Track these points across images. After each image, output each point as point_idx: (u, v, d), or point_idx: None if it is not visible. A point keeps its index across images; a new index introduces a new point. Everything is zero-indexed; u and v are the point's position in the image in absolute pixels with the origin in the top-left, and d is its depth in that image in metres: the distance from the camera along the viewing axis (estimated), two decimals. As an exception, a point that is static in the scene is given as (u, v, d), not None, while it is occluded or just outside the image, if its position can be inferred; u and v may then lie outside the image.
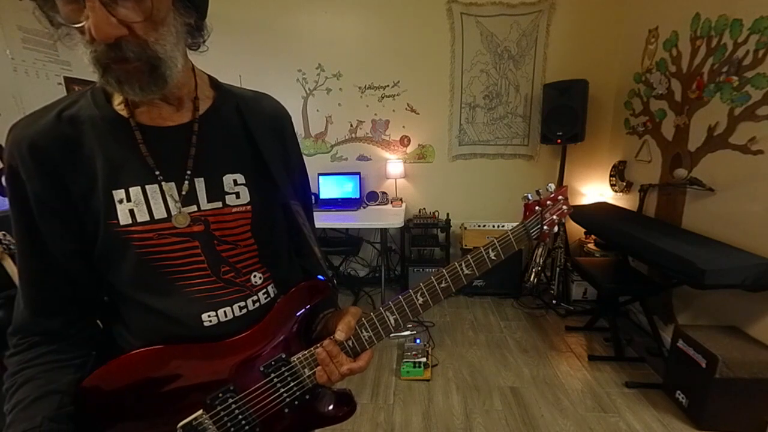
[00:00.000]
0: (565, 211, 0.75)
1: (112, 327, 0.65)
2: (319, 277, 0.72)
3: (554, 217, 0.74)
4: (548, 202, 0.74)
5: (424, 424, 1.86)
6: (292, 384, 0.65)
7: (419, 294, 0.68)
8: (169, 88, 0.54)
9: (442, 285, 0.68)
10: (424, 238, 3.27)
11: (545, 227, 0.73)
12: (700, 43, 2.15)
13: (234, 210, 0.63)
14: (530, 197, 0.75)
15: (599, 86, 2.98)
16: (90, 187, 0.55)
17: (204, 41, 0.60)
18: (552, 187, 0.74)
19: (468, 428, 1.83)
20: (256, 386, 0.63)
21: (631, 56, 2.82)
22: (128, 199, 0.56)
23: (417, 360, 2.22)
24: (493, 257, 0.70)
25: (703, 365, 1.71)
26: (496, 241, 0.70)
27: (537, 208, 0.73)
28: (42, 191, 0.54)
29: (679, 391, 1.87)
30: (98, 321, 0.66)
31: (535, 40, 3.05)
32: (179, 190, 0.59)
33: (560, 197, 0.75)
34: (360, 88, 3.25)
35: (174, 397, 0.59)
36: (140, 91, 0.51)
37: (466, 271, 0.69)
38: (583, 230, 3.04)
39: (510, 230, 0.71)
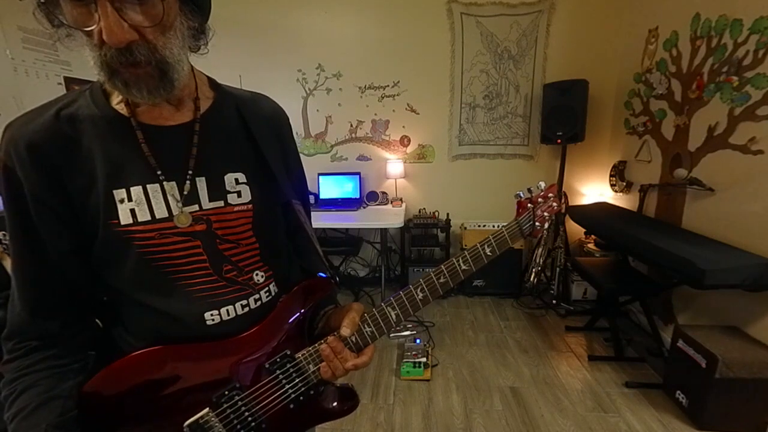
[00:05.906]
0: (555, 207, 0.78)
1: (111, 328, 0.64)
2: (321, 274, 0.73)
3: (545, 213, 0.76)
4: (539, 200, 0.76)
5: (424, 424, 1.86)
6: (297, 380, 0.65)
7: (419, 289, 0.69)
8: (175, 92, 0.54)
9: (441, 280, 0.69)
10: (424, 238, 3.27)
11: (537, 224, 0.75)
12: (700, 43, 2.16)
13: (236, 209, 0.63)
14: (522, 195, 0.77)
15: (599, 86, 2.98)
16: (89, 187, 0.55)
17: (206, 44, 0.60)
18: (543, 185, 0.77)
19: (468, 428, 1.83)
20: (262, 383, 0.63)
21: (631, 56, 2.83)
22: (129, 199, 0.56)
23: (417, 360, 2.22)
24: (488, 253, 0.72)
25: (703, 365, 1.72)
26: (491, 237, 0.72)
27: (529, 205, 0.76)
28: (40, 190, 0.53)
29: (679, 391, 1.87)
30: (97, 322, 0.66)
31: (535, 40, 3.05)
32: (181, 190, 0.59)
33: (550, 194, 0.77)
34: (360, 88, 3.25)
35: (179, 397, 0.59)
36: (148, 94, 0.51)
37: (463, 267, 0.70)
38: (583, 230, 3.04)
39: (504, 227, 0.73)
